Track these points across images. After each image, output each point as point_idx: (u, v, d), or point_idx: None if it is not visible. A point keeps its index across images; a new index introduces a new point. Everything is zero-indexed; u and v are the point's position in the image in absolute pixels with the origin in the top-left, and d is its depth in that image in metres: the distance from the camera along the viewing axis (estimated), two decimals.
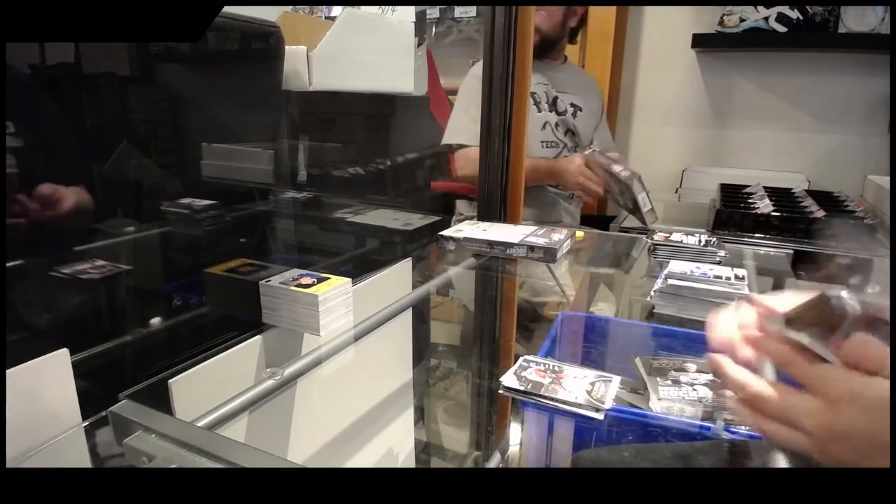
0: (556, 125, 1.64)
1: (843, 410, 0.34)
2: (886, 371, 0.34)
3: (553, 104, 1.64)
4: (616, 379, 0.67)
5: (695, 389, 0.77)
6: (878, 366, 0.34)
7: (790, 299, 0.42)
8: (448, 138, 1.59)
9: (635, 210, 1.43)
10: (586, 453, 0.72)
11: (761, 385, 0.40)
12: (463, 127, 1.57)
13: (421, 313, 1.09)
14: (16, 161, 0.55)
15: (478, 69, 1.61)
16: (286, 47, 0.81)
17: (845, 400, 0.34)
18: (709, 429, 0.68)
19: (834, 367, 0.36)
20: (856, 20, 1.87)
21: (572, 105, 1.67)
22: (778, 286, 1.16)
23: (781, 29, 1.93)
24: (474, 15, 2.31)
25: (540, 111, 1.60)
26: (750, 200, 1.65)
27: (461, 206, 1.70)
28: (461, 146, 1.57)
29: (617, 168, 1.40)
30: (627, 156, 2.39)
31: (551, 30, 1.61)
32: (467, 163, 1.56)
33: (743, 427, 0.69)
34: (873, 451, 0.33)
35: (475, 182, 1.53)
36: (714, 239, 1.03)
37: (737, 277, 0.83)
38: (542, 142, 1.62)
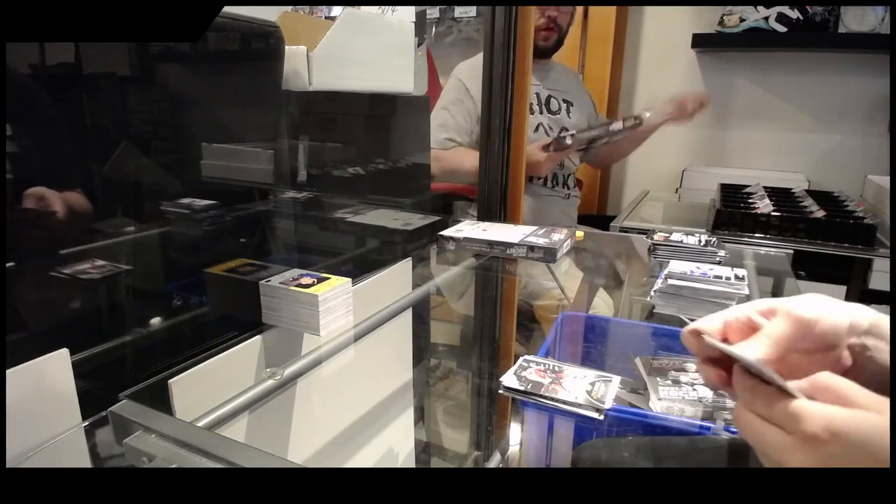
0: (550, 127, 1.64)
1: (822, 449, 0.30)
2: (866, 404, 0.31)
3: (546, 104, 1.64)
4: (616, 379, 0.67)
5: (695, 389, 0.77)
6: (850, 400, 0.31)
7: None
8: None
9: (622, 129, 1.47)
10: (587, 447, 0.72)
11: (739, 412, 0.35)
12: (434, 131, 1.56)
13: (421, 313, 1.09)
14: (16, 161, 0.55)
15: (461, 70, 1.61)
16: (286, 47, 0.81)
17: (824, 438, 0.30)
18: (709, 429, 0.68)
19: (805, 401, 0.32)
20: (856, 20, 1.87)
21: (564, 101, 1.67)
22: (778, 286, 1.16)
23: (781, 29, 1.93)
24: (474, 15, 2.31)
25: (532, 112, 1.61)
26: (750, 200, 1.66)
27: (459, 212, 1.70)
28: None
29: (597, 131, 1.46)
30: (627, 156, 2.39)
31: (567, 27, 1.63)
32: (436, 165, 1.55)
33: None
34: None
35: (460, 181, 1.53)
36: (714, 239, 1.03)
37: (737, 277, 0.83)
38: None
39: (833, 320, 0.36)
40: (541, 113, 1.63)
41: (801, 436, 0.31)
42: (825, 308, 0.37)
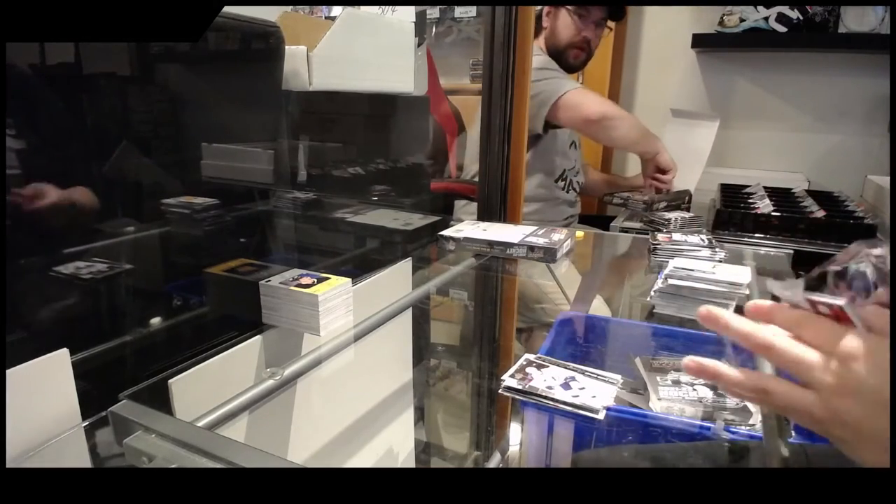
0: (572, 143, 1.72)
1: (855, 367, 0.34)
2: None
3: None
4: (616, 379, 0.67)
5: (695, 389, 0.77)
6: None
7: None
8: (555, 93, 1.53)
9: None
10: (586, 454, 0.72)
11: (770, 332, 0.40)
12: (562, 79, 1.55)
13: (421, 313, 1.09)
14: (16, 161, 0.55)
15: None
16: (286, 47, 0.81)
17: (859, 356, 0.34)
18: (709, 429, 0.69)
19: (841, 327, 0.37)
20: (856, 20, 1.87)
21: None
22: None
23: (781, 29, 1.93)
24: (474, 15, 2.31)
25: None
26: (750, 200, 1.65)
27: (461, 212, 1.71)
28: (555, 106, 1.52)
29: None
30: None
31: (595, 48, 1.67)
32: (595, 99, 1.54)
33: (743, 427, 0.69)
34: (879, 409, 0.33)
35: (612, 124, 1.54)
36: (714, 239, 1.03)
37: (737, 277, 0.83)
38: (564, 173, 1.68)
39: None
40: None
41: (839, 354, 0.36)
42: None
